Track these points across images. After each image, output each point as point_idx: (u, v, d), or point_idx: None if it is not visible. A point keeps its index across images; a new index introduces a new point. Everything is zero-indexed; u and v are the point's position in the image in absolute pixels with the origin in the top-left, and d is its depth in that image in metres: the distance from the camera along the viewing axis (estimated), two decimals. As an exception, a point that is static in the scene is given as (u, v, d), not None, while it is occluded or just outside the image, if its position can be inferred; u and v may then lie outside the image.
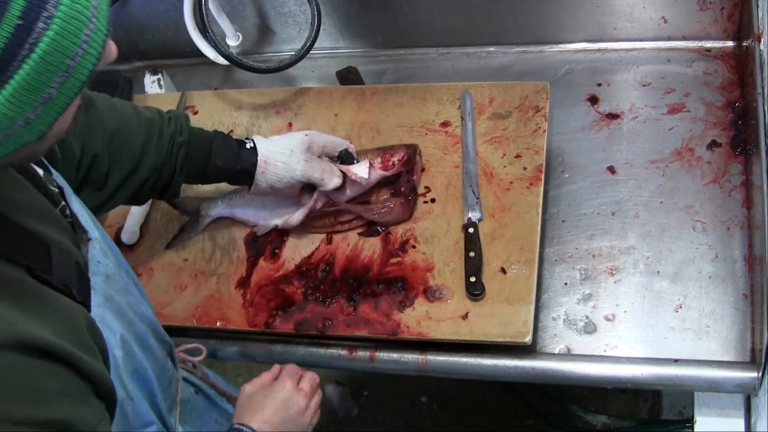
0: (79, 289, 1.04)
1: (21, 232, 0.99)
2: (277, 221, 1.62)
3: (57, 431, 0.87)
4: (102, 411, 0.96)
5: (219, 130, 1.54)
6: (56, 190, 1.15)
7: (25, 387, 0.86)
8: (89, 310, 1.05)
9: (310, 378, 1.43)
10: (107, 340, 1.06)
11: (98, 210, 1.40)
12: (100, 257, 1.13)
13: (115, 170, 1.40)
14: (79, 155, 1.33)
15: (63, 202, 1.14)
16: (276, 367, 1.43)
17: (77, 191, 1.32)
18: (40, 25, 0.79)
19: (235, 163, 1.49)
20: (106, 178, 1.39)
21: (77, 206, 1.16)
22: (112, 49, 0.93)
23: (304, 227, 1.62)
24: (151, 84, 2.04)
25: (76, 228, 1.14)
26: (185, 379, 1.45)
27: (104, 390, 0.98)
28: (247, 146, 1.50)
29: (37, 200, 1.08)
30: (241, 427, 1.28)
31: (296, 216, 1.58)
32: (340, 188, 1.56)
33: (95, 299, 1.08)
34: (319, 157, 1.55)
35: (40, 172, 1.12)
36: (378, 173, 1.56)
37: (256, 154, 1.49)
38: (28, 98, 0.81)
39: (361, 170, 1.55)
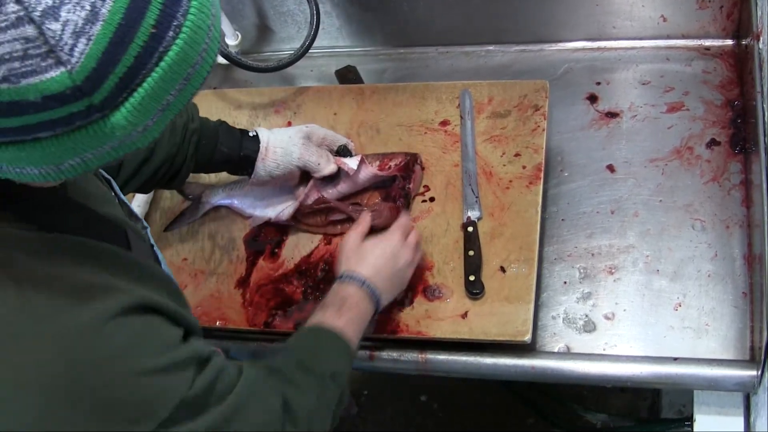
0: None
1: (101, 218, 1.04)
2: (271, 214, 1.63)
3: (195, 363, 0.98)
4: (203, 344, 1.05)
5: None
6: (104, 183, 1.19)
7: (156, 341, 0.95)
8: None
9: (416, 233, 1.45)
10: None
11: None
12: (153, 242, 1.20)
13: (128, 159, 1.40)
14: None
15: (113, 193, 1.18)
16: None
17: None
18: (170, 34, 0.80)
19: (238, 150, 1.51)
20: (119, 166, 1.42)
21: (123, 197, 1.21)
22: None
23: (297, 225, 1.62)
24: (151, 83, 2.03)
25: (131, 216, 1.19)
26: None
27: (196, 332, 1.07)
28: (250, 134, 1.54)
29: (102, 189, 1.12)
30: (353, 274, 1.33)
31: (289, 209, 1.59)
32: (333, 180, 1.57)
33: (165, 269, 1.16)
34: (318, 146, 1.58)
35: None
36: (370, 170, 1.56)
37: (259, 142, 1.52)
38: (151, 106, 0.82)
39: (352, 162, 1.56)
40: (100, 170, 1.19)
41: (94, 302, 0.90)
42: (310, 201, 1.59)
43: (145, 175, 1.46)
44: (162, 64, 0.80)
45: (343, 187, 1.58)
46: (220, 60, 1.92)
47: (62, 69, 0.74)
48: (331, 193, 1.58)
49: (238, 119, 1.83)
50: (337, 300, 1.29)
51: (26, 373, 0.86)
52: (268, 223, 1.65)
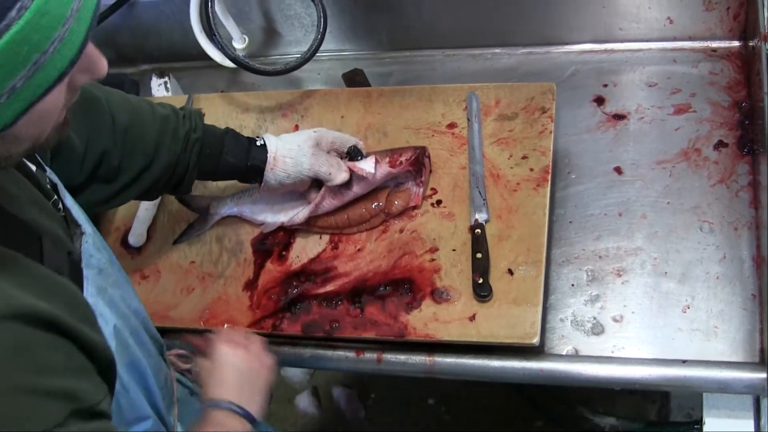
0: (71, 278, 1.04)
1: (14, 221, 1.00)
2: (284, 219, 1.62)
3: (62, 402, 0.87)
4: (104, 390, 0.96)
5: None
6: (49, 186, 1.15)
7: (29, 357, 0.86)
8: None
9: (257, 339, 1.41)
10: (101, 329, 1.06)
11: (107, 203, 1.41)
12: (93, 251, 1.13)
13: (127, 166, 1.41)
14: (83, 151, 1.34)
15: (56, 197, 1.15)
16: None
17: (83, 187, 1.32)
18: (12, 14, 0.79)
19: (245, 160, 1.50)
20: (117, 173, 1.40)
21: (70, 202, 1.17)
22: (101, 64, 0.93)
23: (310, 227, 1.62)
24: (158, 87, 2.04)
25: (69, 222, 1.15)
26: (179, 381, 1.45)
27: (105, 364, 0.98)
28: (257, 143, 1.52)
29: (32, 193, 1.08)
30: (218, 402, 1.27)
31: (302, 213, 1.59)
32: (347, 184, 1.56)
33: (88, 289, 1.08)
34: (328, 152, 1.56)
35: (33, 168, 1.13)
36: (384, 169, 1.56)
37: (266, 151, 1.50)
38: None
39: (367, 165, 1.54)
40: (48, 174, 1.17)
41: None
42: (324, 209, 1.59)
43: (146, 182, 1.45)
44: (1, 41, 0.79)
45: (357, 188, 1.57)
46: (228, 63, 1.93)
47: None
48: (346, 195, 1.58)
49: (246, 122, 1.83)
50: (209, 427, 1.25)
51: None
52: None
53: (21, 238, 0.99)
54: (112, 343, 1.10)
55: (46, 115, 0.90)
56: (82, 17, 0.85)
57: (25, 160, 1.11)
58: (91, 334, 0.95)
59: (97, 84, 1.35)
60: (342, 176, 1.53)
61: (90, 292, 1.08)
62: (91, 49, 0.91)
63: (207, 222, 1.71)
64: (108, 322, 1.11)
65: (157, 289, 1.65)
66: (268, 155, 1.50)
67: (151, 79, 2.06)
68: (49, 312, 0.89)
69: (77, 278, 1.08)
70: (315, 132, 1.55)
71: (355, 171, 1.54)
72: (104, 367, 0.98)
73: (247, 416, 1.28)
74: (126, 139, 1.39)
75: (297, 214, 1.60)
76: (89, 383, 0.93)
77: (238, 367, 1.33)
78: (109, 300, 1.13)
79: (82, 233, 1.14)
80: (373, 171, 1.54)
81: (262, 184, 1.52)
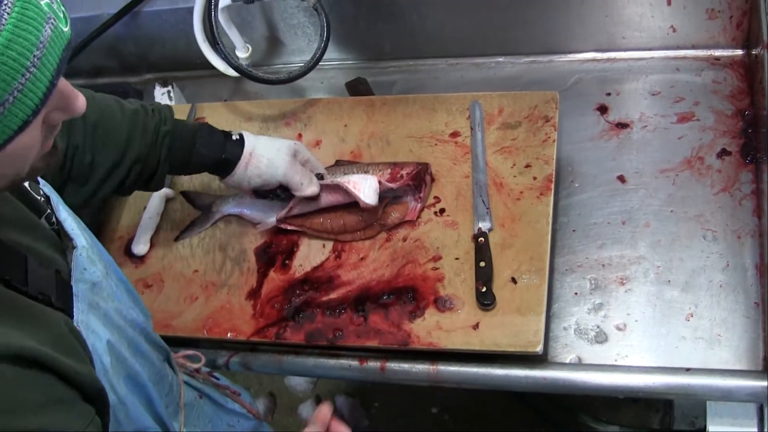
0: (59, 297, 1.03)
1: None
2: (272, 219, 1.64)
3: None
4: (91, 414, 0.96)
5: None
6: (42, 198, 1.15)
7: (3, 398, 0.85)
8: (71, 317, 1.05)
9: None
10: (93, 346, 1.06)
11: (84, 203, 1.41)
12: (87, 265, 1.12)
13: (99, 162, 1.41)
14: (64, 148, 1.34)
15: (48, 210, 1.14)
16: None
17: (61, 186, 1.32)
18: None
19: (219, 153, 1.50)
20: (90, 169, 1.41)
21: (64, 214, 1.16)
22: (78, 102, 0.93)
23: (306, 230, 1.63)
24: (161, 96, 2.05)
25: (62, 236, 1.14)
26: (187, 384, 1.45)
27: (93, 392, 0.98)
28: (234, 137, 1.52)
29: (19, 211, 1.08)
30: None
31: (283, 212, 1.61)
32: (316, 198, 1.58)
33: (78, 306, 1.07)
34: (302, 166, 1.58)
35: (26, 183, 1.12)
36: (384, 186, 1.56)
37: (242, 147, 1.51)
38: None
39: (368, 197, 1.55)
40: (42, 186, 1.16)
41: None
42: (293, 213, 1.61)
43: (118, 177, 1.45)
44: None
45: (343, 198, 1.58)
46: (231, 72, 1.93)
47: None
48: (313, 205, 1.60)
49: (249, 131, 1.81)
50: None
51: None
52: (279, 234, 1.65)
53: (4, 260, 0.98)
54: (107, 360, 1.10)
55: (22, 154, 0.89)
56: (46, 63, 0.83)
57: None
58: (75, 366, 0.94)
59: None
60: (312, 189, 1.56)
61: (81, 310, 1.07)
62: (66, 87, 0.90)
63: (209, 220, 1.73)
64: (101, 338, 1.10)
65: (160, 298, 1.65)
66: (245, 150, 1.51)
67: (154, 88, 2.06)
68: (26, 346, 0.88)
69: (66, 296, 1.07)
70: (295, 144, 1.57)
71: (359, 202, 1.55)
72: (93, 395, 0.98)
73: None
74: (96, 135, 1.40)
75: (282, 212, 1.62)
76: (70, 413, 0.93)
77: None
78: (102, 315, 1.12)
79: (74, 247, 1.13)
80: (374, 203, 1.55)
81: (228, 178, 1.53)
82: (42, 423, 0.88)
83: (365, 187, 1.56)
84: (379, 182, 1.56)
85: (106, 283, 1.15)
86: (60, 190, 1.34)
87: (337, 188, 1.58)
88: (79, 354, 0.99)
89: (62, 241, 1.13)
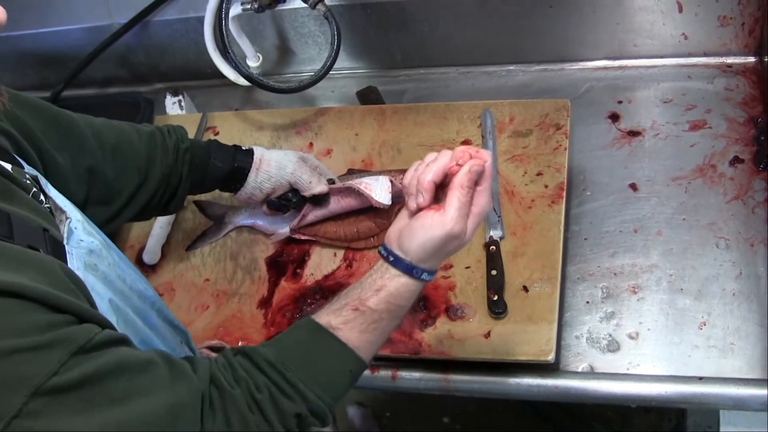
0: (50, 252, 1.01)
1: None
2: (286, 229, 1.65)
3: (55, 348, 0.85)
4: (96, 326, 0.92)
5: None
6: (28, 180, 1.13)
7: (8, 322, 0.84)
8: None
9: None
10: (94, 301, 1.02)
11: (106, 225, 1.41)
12: (83, 236, 1.10)
13: (122, 184, 1.42)
14: (70, 168, 1.34)
15: (35, 189, 1.12)
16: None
17: (83, 209, 1.32)
18: None
19: (232, 163, 1.52)
20: (112, 193, 1.41)
21: (54, 192, 1.15)
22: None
23: (320, 239, 1.63)
24: (172, 105, 2.05)
25: (53, 211, 1.13)
26: None
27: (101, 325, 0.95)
28: (243, 148, 1.55)
29: (2, 185, 1.05)
30: (399, 255, 1.11)
31: (296, 220, 1.61)
32: (324, 202, 1.59)
33: (73, 263, 1.05)
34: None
35: (8, 167, 1.10)
36: (397, 188, 1.55)
37: (252, 155, 1.54)
38: None
39: (382, 197, 1.54)
40: (27, 170, 1.15)
41: None
42: (307, 221, 1.61)
43: (143, 198, 1.46)
44: None
45: (355, 203, 1.58)
46: (242, 81, 1.94)
47: None
48: (322, 210, 1.60)
49: (260, 140, 1.84)
50: (372, 288, 1.13)
51: None
52: (290, 244, 1.65)
53: None
54: (112, 318, 1.06)
55: None
56: None
57: None
58: (75, 302, 0.92)
59: (80, 114, 1.39)
60: (320, 188, 1.56)
61: (75, 266, 1.05)
62: None
63: (221, 230, 1.73)
64: (102, 296, 1.07)
65: (171, 307, 1.64)
66: (254, 157, 1.53)
67: (165, 97, 2.06)
68: (13, 282, 0.86)
69: (58, 252, 1.04)
70: (304, 153, 1.59)
71: (368, 198, 1.54)
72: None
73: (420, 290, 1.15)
74: (117, 157, 1.41)
75: (295, 221, 1.62)
76: (74, 329, 0.90)
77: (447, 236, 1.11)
78: (102, 276, 1.09)
79: (67, 218, 1.11)
80: (388, 203, 1.54)
81: (243, 188, 1.54)
82: (57, 335, 0.86)
83: (377, 187, 1.55)
84: (391, 182, 1.56)
85: (106, 253, 1.13)
86: (83, 208, 1.34)
87: (350, 191, 1.57)
88: (76, 293, 0.96)
89: (55, 215, 1.12)
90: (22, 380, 0.82)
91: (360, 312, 1.12)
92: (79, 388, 0.85)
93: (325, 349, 1.11)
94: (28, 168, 1.18)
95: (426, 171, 1.12)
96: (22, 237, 0.97)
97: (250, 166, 1.53)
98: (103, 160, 1.39)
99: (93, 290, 1.04)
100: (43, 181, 1.17)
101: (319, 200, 1.58)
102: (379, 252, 1.16)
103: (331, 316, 1.12)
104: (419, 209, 1.12)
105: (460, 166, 1.12)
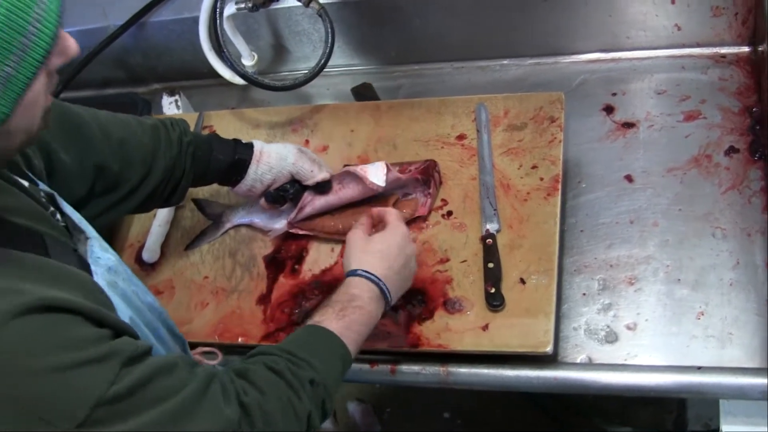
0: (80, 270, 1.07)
1: (14, 227, 1.03)
2: (284, 223, 1.65)
3: (108, 361, 0.92)
4: (133, 339, 1.00)
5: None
6: (44, 197, 1.17)
7: (56, 339, 0.90)
8: None
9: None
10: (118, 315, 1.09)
11: (108, 215, 1.42)
12: (100, 253, 1.16)
13: (127, 176, 1.43)
14: (77, 167, 1.35)
15: (52, 208, 1.17)
16: (375, 211, 1.44)
17: (83, 203, 1.34)
18: None
19: (233, 155, 1.53)
20: (117, 184, 1.42)
21: (69, 210, 1.19)
22: (73, 44, 0.97)
23: (318, 232, 1.63)
24: (169, 105, 2.06)
25: (71, 229, 1.16)
26: None
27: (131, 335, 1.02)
28: (243, 141, 1.56)
29: (27, 204, 1.10)
30: (364, 272, 1.31)
31: (294, 213, 1.62)
32: (327, 191, 1.60)
33: (99, 282, 1.10)
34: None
35: (25, 183, 1.14)
36: (393, 175, 1.56)
37: (252, 147, 1.55)
38: None
39: (377, 178, 1.55)
40: (42, 188, 1.18)
41: None
42: (304, 214, 1.62)
43: (146, 191, 1.46)
44: None
45: (354, 192, 1.59)
46: (238, 80, 1.94)
47: None
48: (324, 201, 1.60)
49: (256, 138, 1.81)
50: (345, 298, 1.27)
51: None
52: (288, 240, 1.65)
53: (24, 240, 1.02)
54: None
55: (35, 102, 0.94)
56: (51, 6, 0.89)
57: (16, 177, 1.12)
58: (111, 315, 0.99)
59: (84, 107, 1.40)
60: (323, 174, 1.58)
61: (102, 286, 1.10)
62: (61, 31, 0.94)
63: (219, 229, 1.74)
64: (123, 313, 1.13)
65: (171, 305, 1.65)
66: (255, 149, 1.55)
67: (162, 97, 2.07)
68: (67, 299, 0.93)
69: (85, 272, 1.10)
70: (300, 146, 1.61)
71: (366, 183, 1.54)
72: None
73: (385, 307, 1.33)
74: (123, 150, 1.42)
75: (292, 214, 1.62)
76: (126, 341, 0.98)
77: (398, 247, 1.37)
78: (121, 293, 1.15)
79: (87, 238, 1.16)
80: (382, 184, 1.55)
81: (243, 180, 1.55)
82: (107, 347, 0.94)
83: (372, 170, 1.56)
84: (388, 167, 1.56)
85: (121, 269, 1.19)
86: (84, 204, 1.36)
87: (345, 176, 1.59)
88: (111, 308, 1.05)
89: (72, 234, 1.16)
90: (85, 391, 0.89)
91: (329, 305, 1.27)
92: (131, 395, 0.93)
93: (319, 335, 1.22)
94: (42, 185, 1.20)
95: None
96: (56, 257, 1.04)
97: (251, 158, 1.53)
98: (110, 155, 1.40)
99: (116, 309, 1.10)
100: (58, 198, 1.19)
101: (323, 187, 1.59)
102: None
103: (315, 317, 1.26)
104: None
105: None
